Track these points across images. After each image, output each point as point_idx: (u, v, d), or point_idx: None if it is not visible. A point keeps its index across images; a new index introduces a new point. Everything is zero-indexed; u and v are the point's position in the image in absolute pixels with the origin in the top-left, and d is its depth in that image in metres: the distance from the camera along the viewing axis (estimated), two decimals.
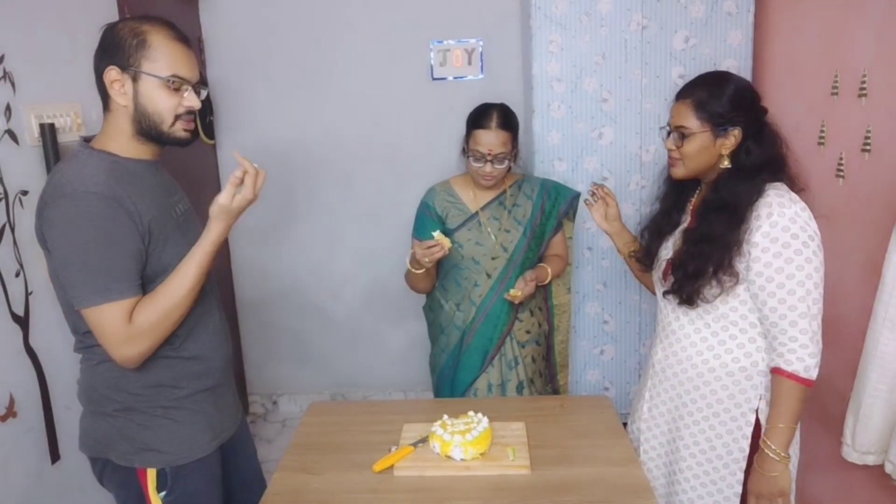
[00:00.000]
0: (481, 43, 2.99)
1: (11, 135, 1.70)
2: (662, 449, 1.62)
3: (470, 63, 3.01)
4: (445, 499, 1.35)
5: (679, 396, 1.55)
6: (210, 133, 3.02)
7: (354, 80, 3.05)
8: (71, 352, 1.41)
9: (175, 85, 1.29)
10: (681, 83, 1.51)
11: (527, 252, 1.99)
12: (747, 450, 1.47)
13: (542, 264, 2.01)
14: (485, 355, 2.00)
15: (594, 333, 2.82)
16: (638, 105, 2.62)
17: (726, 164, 1.44)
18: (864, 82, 1.90)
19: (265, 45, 3.03)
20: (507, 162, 1.89)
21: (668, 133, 1.51)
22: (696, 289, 1.44)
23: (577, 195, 2.07)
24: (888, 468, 1.69)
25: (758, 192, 1.39)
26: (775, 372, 1.39)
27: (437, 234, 1.79)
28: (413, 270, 1.91)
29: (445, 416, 1.53)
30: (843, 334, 1.92)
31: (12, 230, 1.68)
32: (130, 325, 1.24)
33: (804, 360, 1.36)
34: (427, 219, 2.00)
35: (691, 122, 1.44)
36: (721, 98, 1.42)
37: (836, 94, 2.02)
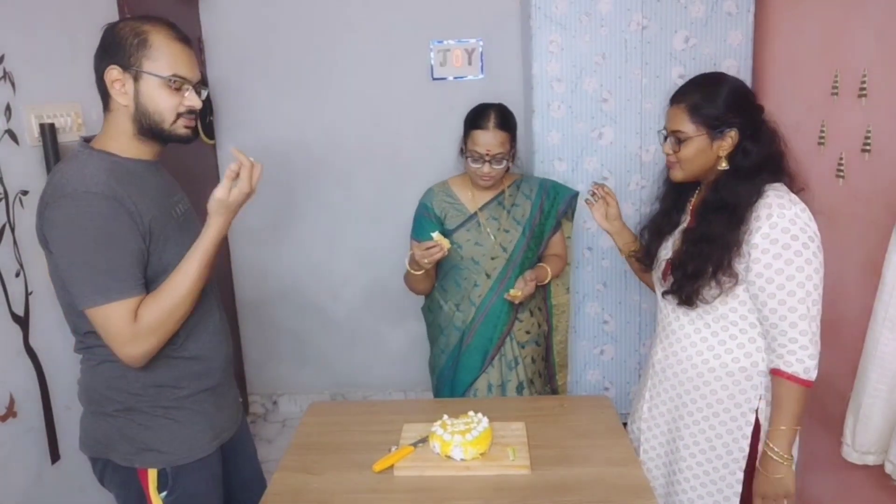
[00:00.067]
0: (481, 43, 2.99)
1: (11, 135, 1.70)
2: (662, 449, 1.62)
3: (470, 63, 3.01)
4: (445, 499, 1.35)
5: (679, 396, 1.55)
6: (210, 133, 3.02)
7: (354, 80, 3.05)
8: (71, 352, 1.41)
9: (176, 84, 1.29)
10: (681, 83, 1.51)
11: (526, 252, 1.99)
12: (747, 450, 1.47)
13: (541, 264, 2.01)
14: (485, 355, 2.00)
15: (594, 333, 2.82)
16: (638, 105, 2.62)
17: (724, 165, 1.43)
18: (864, 82, 1.90)
19: (265, 45, 3.03)
20: (505, 162, 1.89)
21: (665, 137, 1.50)
22: (695, 289, 1.44)
23: (576, 194, 2.06)
24: (888, 468, 1.69)
25: (757, 193, 1.39)
26: (775, 373, 1.40)
27: (436, 234, 1.79)
28: (412, 272, 1.91)
29: (445, 416, 1.53)
30: (843, 334, 1.92)
31: (12, 230, 1.68)
32: (136, 323, 1.24)
33: (804, 361, 1.36)
34: (425, 220, 2.00)
35: (687, 126, 1.43)
36: (715, 101, 1.41)
37: (836, 94, 2.02)
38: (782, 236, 1.34)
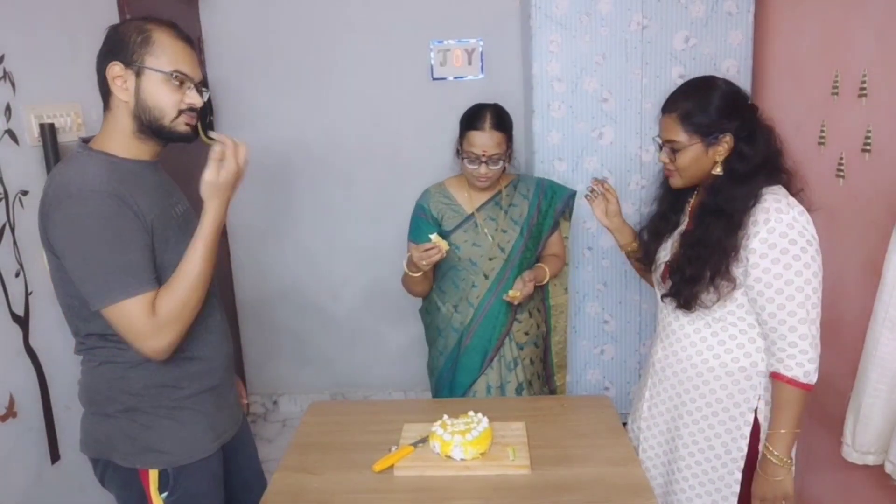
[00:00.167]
0: (481, 43, 2.98)
1: (11, 135, 1.70)
2: (661, 448, 1.62)
3: (470, 63, 3.01)
4: (445, 499, 1.35)
5: (679, 396, 1.55)
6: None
7: (354, 80, 3.05)
8: (71, 352, 1.41)
9: (178, 80, 1.30)
10: (681, 83, 1.50)
11: (524, 252, 1.98)
12: (746, 450, 1.47)
13: (539, 264, 2.01)
14: (484, 356, 1.99)
15: (594, 333, 2.82)
16: (638, 105, 2.63)
17: (718, 171, 1.42)
18: (864, 82, 1.90)
19: (265, 45, 3.03)
20: (501, 163, 1.88)
21: (660, 146, 1.49)
22: (693, 294, 1.43)
23: (574, 194, 2.06)
24: (888, 468, 1.69)
25: (755, 198, 1.38)
26: (775, 377, 1.40)
27: (434, 236, 1.79)
28: (410, 274, 1.90)
29: (445, 416, 1.53)
30: (843, 334, 1.92)
31: (12, 230, 1.68)
32: (155, 317, 1.23)
33: (803, 365, 1.36)
34: (422, 221, 1.99)
35: (680, 135, 1.42)
36: (707, 108, 1.40)
37: (836, 94, 2.02)
38: (780, 240, 1.34)
